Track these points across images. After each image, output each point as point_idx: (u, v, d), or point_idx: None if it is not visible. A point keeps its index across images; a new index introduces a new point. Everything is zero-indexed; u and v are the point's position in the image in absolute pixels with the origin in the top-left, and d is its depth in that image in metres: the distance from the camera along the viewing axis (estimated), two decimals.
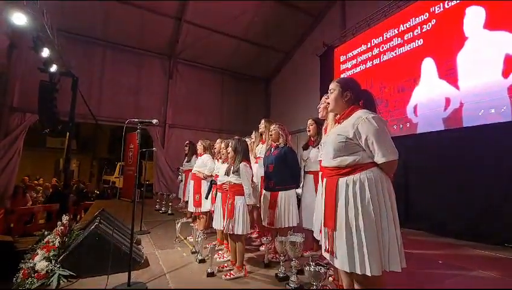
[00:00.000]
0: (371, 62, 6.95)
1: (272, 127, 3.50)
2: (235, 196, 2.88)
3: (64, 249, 2.67)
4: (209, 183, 3.93)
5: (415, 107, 5.79)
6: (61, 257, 2.59)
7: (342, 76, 7.79)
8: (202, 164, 4.19)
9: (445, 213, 5.02)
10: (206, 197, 3.89)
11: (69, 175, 7.96)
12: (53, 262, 2.55)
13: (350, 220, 1.69)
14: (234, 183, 2.90)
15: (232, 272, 2.87)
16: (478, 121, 4.75)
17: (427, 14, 5.74)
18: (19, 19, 4.72)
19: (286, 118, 10.83)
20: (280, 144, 3.41)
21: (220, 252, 3.50)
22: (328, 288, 2.48)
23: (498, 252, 3.87)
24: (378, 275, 1.60)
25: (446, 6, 5.42)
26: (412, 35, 6.00)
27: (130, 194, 8.86)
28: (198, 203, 4.17)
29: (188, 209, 4.53)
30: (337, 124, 1.96)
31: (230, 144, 3.05)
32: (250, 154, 4.29)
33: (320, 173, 2.67)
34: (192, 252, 3.55)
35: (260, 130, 4.08)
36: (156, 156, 10.10)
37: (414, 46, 5.93)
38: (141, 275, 2.88)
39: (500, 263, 3.45)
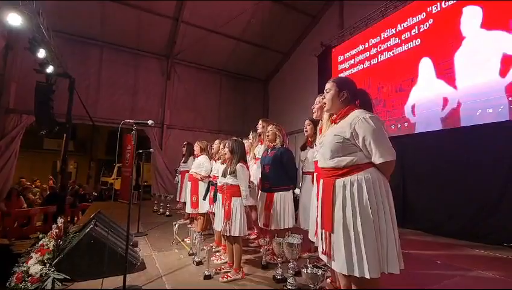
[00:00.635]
0: (369, 62, 6.94)
1: (269, 127, 3.47)
2: (232, 197, 2.84)
3: (59, 252, 2.64)
4: (206, 185, 3.91)
5: (413, 107, 5.79)
6: (55, 260, 2.55)
7: (339, 76, 7.78)
8: (199, 165, 4.16)
9: (443, 213, 5.02)
10: (204, 199, 3.86)
11: (65, 177, 7.90)
12: (47, 265, 2.51)
13: (348, 222, 1.67)
14: (231, 184, 2.87)
15: (229, 274, 2.84)
16: (476, 120, 4.75)
17: (425, 13, 5.74)
18: (14, 19, 4.67)
19: (284, 118, 10.82)
20: (277, 144, 3.38)
21: (217, 254, 3.47)
22: None
23: (497, 252, 3.86)
24: (377, 277, 1.58)
25: (443, 5, 5.42)
26: (409, 35, 6.00)
27: (127, 196, 8.80)
28: (195, 205, 4.14)
29: (185, 211, 4.49)
30: (333, 124, 1.94)
31: (227, 144, 3.02)
32: (248, 155, 4.29)
33: (315, 174, 2.65)
34: (190, 254, 3.52)
35: (258, 131, 4.05)
36: (154, 157, 10.06)
37: (412, 45, 5.93)
38: (137, 278, 2.85)
39: (499, 263, 3.44)
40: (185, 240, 4.12)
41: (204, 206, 3.98)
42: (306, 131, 3.43)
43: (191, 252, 3.54)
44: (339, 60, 7.94)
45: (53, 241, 2.66)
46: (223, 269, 3.02)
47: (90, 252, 2.68)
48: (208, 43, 10.14)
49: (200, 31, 9.64)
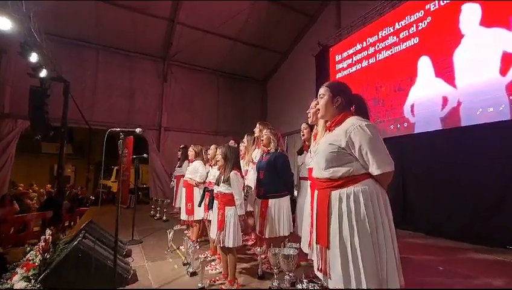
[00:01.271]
0: (367, 61, 6.83)
1: (264, 132, 3.37)
2: (226, 207, 2.74)
3: (45, 267, 2.54)
4: (202, 191, 3.80)
5: (412, 107, 5.68)
6: (42, 276, 2.45)
7: (337, 76, 7.69)
8: (194, 170, 4.05)
9: (443, 214, 4.92)
10: (199, 205, 3.75)
11: (62, 182, 7.80)
12: (33, 282, 2.40)
13: (344, 237, 1.57)
14: (224, 193, 2.76)
15: (223, 286, 2.74)
16: (476, 120, 4.65)
17: (423, 11, 5.63)
18: (3, 23, 4.57)
19: (283, 118, 10.74)
20: (271, 149, 3.28)
21: (212, 263, 3.37)
22: None
23: (500, 255, 3.75)
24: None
25: (441, 3, 5.32)
26: (407, 34, 5.90)
27: (124, 200, 8.73)
28: (190, 212, 4.04)
29: (181, 218, 4.39)
30: (327, 131, 1.85)
31: (220, 151, 2.91)
32: (243, 160, 4.19)
33: (309, 182, 2.55)
34: (184, 264, 3.41)
35: (255, 134, 3.95)
36: (151, 160, 9.96)
37: (410, 44, 5.83)
38: None
39: (504, 269, 3.32)
40: (180, 247, 4.02)
41: (199, 213, 3.87)
42: (303, 135, 3.34)
43: (185, 261, 3.44)
44: (336, 60, 7.83)
45: (39, 255, 2.56)
46: (217, 280, 2.92)
47: (78, 266, 2.55)
48: (204, 44, 10.02)
49: (196, 31, 9.52)
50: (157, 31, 9.41)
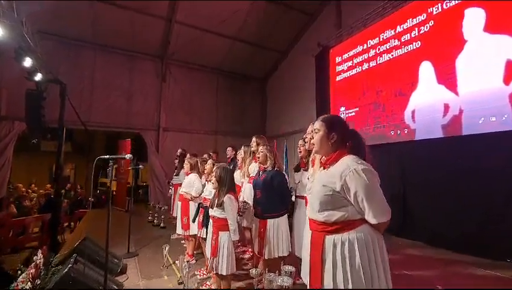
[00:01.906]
0: (367, 64, 6.70)
1: (260, 148, 3.28)
2: (219, 232, 2.67)
3: None
4: (196, 206, 3.73)
5: (413, 113, 5.57)
6: None
7: (337, 78, 7.57)
8: (189, 184, 3.98)
9: (443, 224, 4.86)
10: (193, 221, 3.68)
11: (61, 183, 7.76)
12: None
13: (338, 284, 1.52)
14: (218, 217, 2.70)
15: None
16: (478, 129, 4.55)
17: (425, 14, 5.49)
18: None
19: (283, 118, 10.65)
20: (268, 167, 3.20)
21: (208, 283, 3.32)
22: None
23: (501, 271, 3.67)
24: None
25: (444, 6, 5.17)
26: (409, 37, 5.76)
27: (122, 202, 8.70)
28: (186, 226, 3.98)
29: (176, 232, 4.33)
30: (322, 168, 1.77)
31: (214, 173, 2.82)
32: (241, 169, 4.12)
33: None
34: (179, 283, 3.37)
35: (252, 149, 3.86)
36: (151, 162, 9.90)
37: (411, 48, 5.69)
38: None
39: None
40: (176, 262, 3.97)
41: (195, 228, 3.81)
42: (300, 152, 3.26)
43: (180, 281, 3.39)
44: (336, 61, 7.69)
45: (29, 283, 2.51)
46: None
47: None
48: (203, 43, 9.86)
49: (194, 31, 9.35)
50: (156, 31, 9.25)
